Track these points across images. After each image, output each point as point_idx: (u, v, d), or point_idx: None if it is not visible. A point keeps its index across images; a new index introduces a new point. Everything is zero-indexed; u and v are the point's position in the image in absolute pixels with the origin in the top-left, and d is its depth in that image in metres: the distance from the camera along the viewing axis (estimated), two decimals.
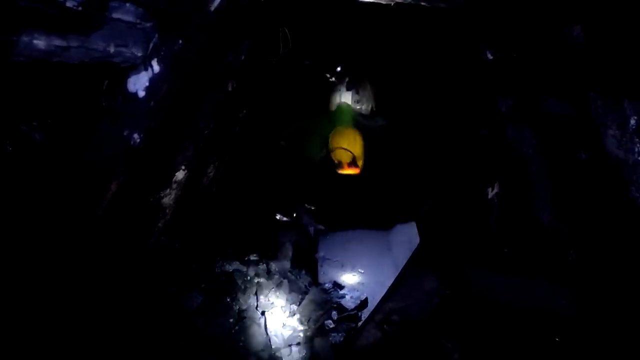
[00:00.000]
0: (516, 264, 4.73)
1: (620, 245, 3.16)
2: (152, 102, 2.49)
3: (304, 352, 3.30)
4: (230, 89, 4.27)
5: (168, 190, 4.28)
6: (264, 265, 4.37)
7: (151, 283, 3.54)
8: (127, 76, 2.43)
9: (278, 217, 4.80)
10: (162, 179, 4.12)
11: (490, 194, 5.13)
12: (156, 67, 2.44)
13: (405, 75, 6.19)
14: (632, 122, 2.48)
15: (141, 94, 2.45)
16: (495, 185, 5.09)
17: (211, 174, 5.70)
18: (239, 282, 3.93)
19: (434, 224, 5.60)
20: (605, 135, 2.61)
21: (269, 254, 4.68)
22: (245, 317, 3.52)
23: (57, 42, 1.76)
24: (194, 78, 3.32)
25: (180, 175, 4.27)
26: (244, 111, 5.77)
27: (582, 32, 2.51)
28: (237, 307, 3.66)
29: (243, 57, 4.21)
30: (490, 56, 3.93)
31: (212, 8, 2.49)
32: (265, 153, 6.71)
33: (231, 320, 3.47)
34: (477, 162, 5.42)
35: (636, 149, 2.50)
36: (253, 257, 4.61)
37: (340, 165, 5.13)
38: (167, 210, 4.36)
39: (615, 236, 3.23)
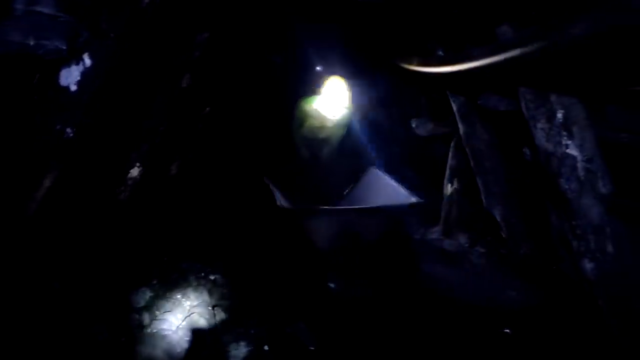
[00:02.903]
0: (474, 258, 4.81)
1: (555, 237, 3.23)
2: (84, 97, 2.48)
3: (252, 348, 3.31)
4: (185, 85, 4.26)
5: (122, 188, 4.27)
6: (221, 262, 4.37)
7: (99, 280, 3.52)
8: (59, 70, 2.42)
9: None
10: (115, 176, 4.11)
11: (450, 190, 5.19)
12: (88, 62, 2.43)
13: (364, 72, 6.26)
14: (559, 115, 2.54)
15: (73, 88, 2.44)
16: (455, 181, 5.15)
17: (174, 172, 5.68)
18: (192, 278, 3.93)
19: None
20: (535, 129, 2.68)
21: (232, 252, 4.67)
22: (194, 313, 3.52)
23: None
24: (139, 73, 3.33)
25: (134, 172, 4.26)
26: (207, 108, 5.76)
27: (510, 28, 2.57)
28: (188, 304, 3.65)
29: (198, 53, 4.20)
30: (441, 53, 3.99)
31: (145, 1, 2.49)
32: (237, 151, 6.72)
33: (180, 316, 3.47)
34: (436, 158, 5.49)
35: (563, 142, 2.56)
36: (213, 255, 4.60)
37: None
38: (122, 208, 4.35)
39: (552, 228, 3.30)
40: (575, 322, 3.29)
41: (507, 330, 3.51)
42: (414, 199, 4.03)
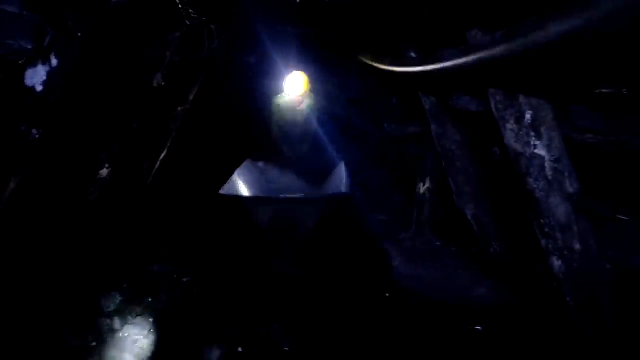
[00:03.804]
0: (446, 256, 4.87)
1: (525, 235, 3.29)
2: (51, 97, 2.42)
3: (225, 349, 3.28)
4: (155, 85, 4.20)
5: (92, 189, 4.18)
6: (192, 264, 4.32)
7: (68, 284, 3.45)
8: (24, 70, 2.35)
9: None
10: (84, 177, 4.03)
11: (422, 189, 5.24)
12: (54, 62, 2.38)
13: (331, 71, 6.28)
14: (528, 116, 2.59)
15: (39, 88, 2.38)
16: (427, 180, 5.20)
17: (146, 172, 5.61)
18: (164, 281, 3.88)
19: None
20: (504, 130, 2.72)
21: (206, 253, 4.63)
22: (166, 316, 3.47)
23: None
24: (108, 73, 3.26)
25: (104, 173, 4.18)
26: (179, 108, 5.69)
27: (480, 32, 2.61)
28: (160, 307, 3.60)
29: (169, 53, 4.15)
30: (412, 54, 4.03)
31: (113, 1, 2.45)
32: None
33: (151, 319, 3.42)
34: (409, 158, 5.54)
35: (532, 142, 2.61)
36: (186, 257, 4.55)
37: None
38: (92, 209, 4.27)
39: (521, 227, 3.36)
40: (545, 318, 3.35)
41: (479, 328, 3.55)
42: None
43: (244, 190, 4.80)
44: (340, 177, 5.06)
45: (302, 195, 4.81)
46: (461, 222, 4.54)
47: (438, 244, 5.10)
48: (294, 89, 5.17)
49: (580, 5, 1.63)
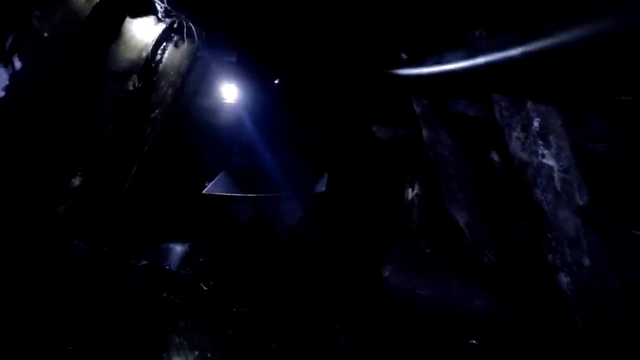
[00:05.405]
0: (438, 265, 4.71)
1: (529, 248, 3.15)
2: (14, 103, 2.17)
3: None
4: (132, 87, 3.95)
5: (63, 199, 3.91)
6: (176, 277, 4.09)
7: (40, 304, 3.18)
8: None
9: None
10: (55, 186, 3.76)
11: (411, 195, 5.09)
12: (18, 64, 2.13)
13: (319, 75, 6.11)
14: (536, 124, 2.43)
15: (0, 93, 2.13)
16: (416, 186, 5.05)
17: (122, 178, 5.34)
18: (143, 297, 3.64)
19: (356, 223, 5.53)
20: (509, 137, 2.56)
21: (184, 263, 4.41)
22: (147, 336, 3.24)
23: None
24: (80, 75, 3.01)
25: (76, 181, 3.92)
26: (157, 110, 5.44)
27: (483, 32, 2.44)
28: (141, 326, 3.36)
29: (145, 53, 3.91)
30: (404, 55, 3.86)
31: None
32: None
33: (130, 339, 3.17)
34: (397, 162, 5.39)
35: (540, 151, 2.45)
36: (167, 268, 4.32)
37: None
38: (64, 221, 3.99)
39: (525, 239, 3.22)
40: (543, 331, 3.23)
41: (474, 341, 3.42)
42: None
43: (227, 190, 4.83)
44: (322, 180, 4.97)
45: (283, 195, 4.82)
46: (451, 229, 4.40)
47: (428, 251, 4.95)
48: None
49: (611, 6, 1.47)
